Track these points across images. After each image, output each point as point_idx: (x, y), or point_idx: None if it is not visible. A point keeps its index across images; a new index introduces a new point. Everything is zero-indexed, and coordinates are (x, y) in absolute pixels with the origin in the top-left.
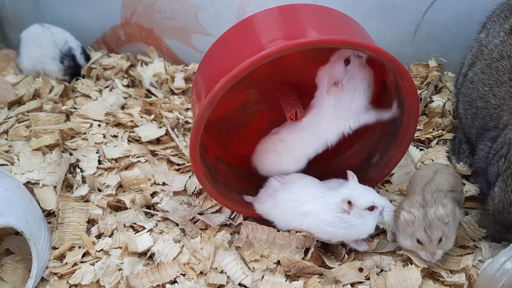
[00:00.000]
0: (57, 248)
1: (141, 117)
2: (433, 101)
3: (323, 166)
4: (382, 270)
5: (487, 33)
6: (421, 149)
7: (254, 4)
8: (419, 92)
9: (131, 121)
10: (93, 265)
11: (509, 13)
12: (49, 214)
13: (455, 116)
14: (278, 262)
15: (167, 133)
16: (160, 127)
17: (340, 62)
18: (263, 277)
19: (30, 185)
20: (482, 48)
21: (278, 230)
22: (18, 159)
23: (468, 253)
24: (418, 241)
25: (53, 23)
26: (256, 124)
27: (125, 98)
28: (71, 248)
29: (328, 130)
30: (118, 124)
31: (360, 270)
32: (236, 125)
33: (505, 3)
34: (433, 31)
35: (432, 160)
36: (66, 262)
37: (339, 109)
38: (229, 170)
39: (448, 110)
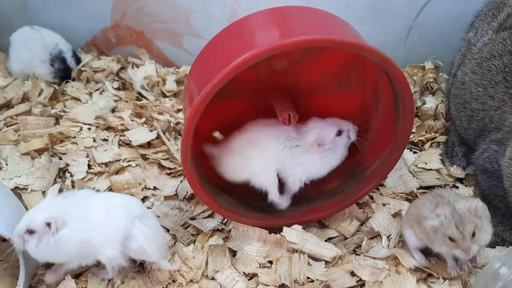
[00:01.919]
0: None
1: (132, 120)
2: (425, 103)
3: None
4: (376, 276)
5: (476, 32)
6: (414, 152)
7: (245, 7)
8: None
9: (122, 124)
10: (83, 273)
11: (497, 11)
12: None
13: (447, 119)
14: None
15: (158, 137)
16: (151, 131)
17: (334, 130)
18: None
19: (18, 191)
20: (470, 47)
21: (270, 233)
22: (6, 164)
23: None
24: (451, 239)
25: (43, 26)
26: None
27: (115, 101)
28: None
29: (288, 165)
30: (108, 128)
31: (352, 274)
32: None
33: (492, 2)
34: (425, 34)
35: (426, 163)
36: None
37: (304, 159)
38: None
39: (441, 113)
